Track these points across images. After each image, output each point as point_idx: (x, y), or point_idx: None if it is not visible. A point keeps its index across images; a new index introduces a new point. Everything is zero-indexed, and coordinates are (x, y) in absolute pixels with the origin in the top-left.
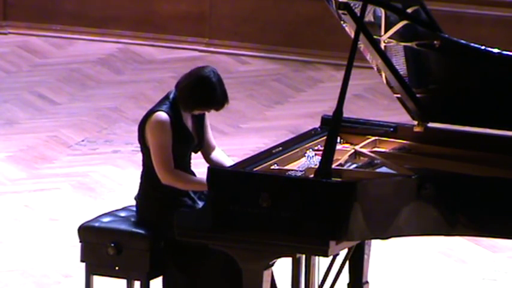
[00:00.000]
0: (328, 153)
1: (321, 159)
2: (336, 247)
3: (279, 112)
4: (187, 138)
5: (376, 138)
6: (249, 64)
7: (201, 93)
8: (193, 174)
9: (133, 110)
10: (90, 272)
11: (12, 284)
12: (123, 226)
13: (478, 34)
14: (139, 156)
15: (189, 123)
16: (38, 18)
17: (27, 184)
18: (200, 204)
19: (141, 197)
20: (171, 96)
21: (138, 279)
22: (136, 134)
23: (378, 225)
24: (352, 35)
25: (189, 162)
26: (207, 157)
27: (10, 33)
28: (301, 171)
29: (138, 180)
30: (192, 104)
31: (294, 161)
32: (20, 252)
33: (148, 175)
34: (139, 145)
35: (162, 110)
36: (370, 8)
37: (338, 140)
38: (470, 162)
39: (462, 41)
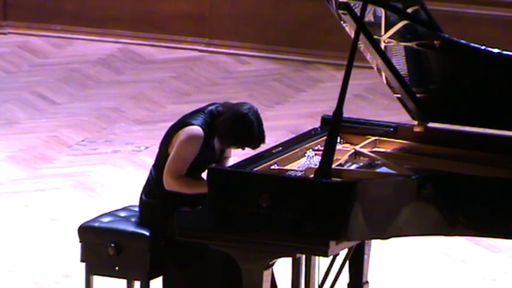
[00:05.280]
0: (328, 153)
1: (321, 159)
2: (336, 247)
3: (279, 112)
4: (211, 157)
5: (376, 138)
6: (249, 64)
7: (239, 133)
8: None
9: (133, 110)
10: (90, 272)
11: (12, 284)
12: (123, 226)
13: (478, 34)
14: (139, 156)
15: (217, 143)
16: (38, 18)
17: (27, 184)
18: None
19: (147, 195)
20: (208, 112)
21: (138, 279)
22: (136, 134)
23: (378, 225)
24: (352, 35)
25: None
26: (221, 164)
27: (10, 33)
28: (301, 171)
29: (138, 181)
30: (228, 141)
31: (294, 161)
32: (20, 252)
33: (157, 175)
34: (159, 145)
35: (199, 125)
36: (370, 8)
37: (338, 140)
38: (470, 162)
39: (462, 41)
